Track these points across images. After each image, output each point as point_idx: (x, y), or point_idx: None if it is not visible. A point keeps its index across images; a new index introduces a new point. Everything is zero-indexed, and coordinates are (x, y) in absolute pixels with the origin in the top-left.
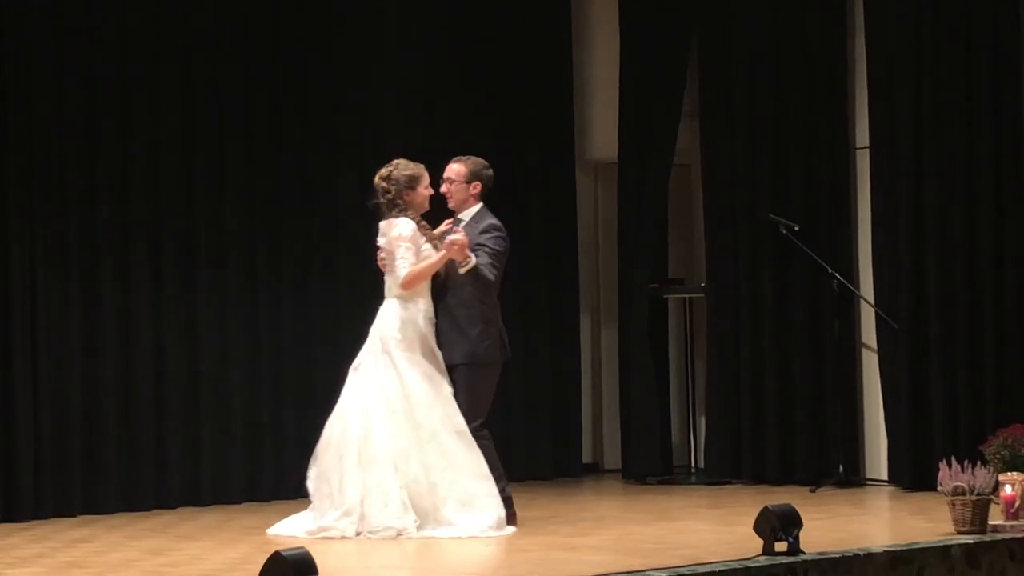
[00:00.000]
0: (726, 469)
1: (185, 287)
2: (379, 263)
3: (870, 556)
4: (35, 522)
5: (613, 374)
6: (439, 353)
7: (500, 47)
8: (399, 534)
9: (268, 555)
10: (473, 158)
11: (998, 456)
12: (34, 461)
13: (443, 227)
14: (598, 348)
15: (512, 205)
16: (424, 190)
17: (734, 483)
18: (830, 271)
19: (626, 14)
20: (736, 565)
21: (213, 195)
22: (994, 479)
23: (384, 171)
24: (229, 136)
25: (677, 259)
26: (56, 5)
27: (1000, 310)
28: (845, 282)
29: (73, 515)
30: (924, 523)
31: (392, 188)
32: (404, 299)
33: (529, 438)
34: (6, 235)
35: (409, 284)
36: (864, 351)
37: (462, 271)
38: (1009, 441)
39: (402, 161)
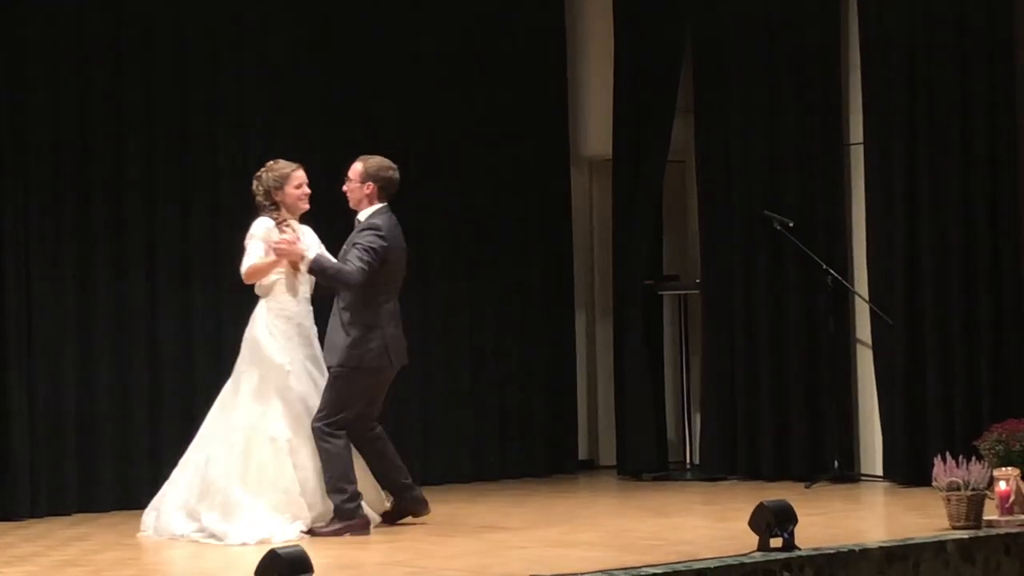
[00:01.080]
0: (721, 465)
1: (181, 286)
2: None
3: (865, 552)
4: (30, 520)
5: (608, 370)
6: (299, 351)
7: (494, 44)
8: (172, 536)
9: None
10: (375, 158)
11: (993, 451)
12: (29, 459)
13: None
14: (593, 345)
15: (507, 202)
16: (293, 189)
17: (729, 479)
18: (824, 267)
19: (620, 10)
20: (732, 561)
21: (209, 194)
22: (989, 474)
23: (258, 172)
24: (224, 136)
25: (672, 256)
26: (49, 3)
27: (995, 305)
28: (840, 278)
29: (68, 513)
30: (919, 519)
31: (260, 189)
32: (262, 296)
33: (525, 435)
34: (0, 233)
35: (248, 277)
36: (859, 347)
37: (304, 268)
38: (1003, 436)
39: (279, 162)
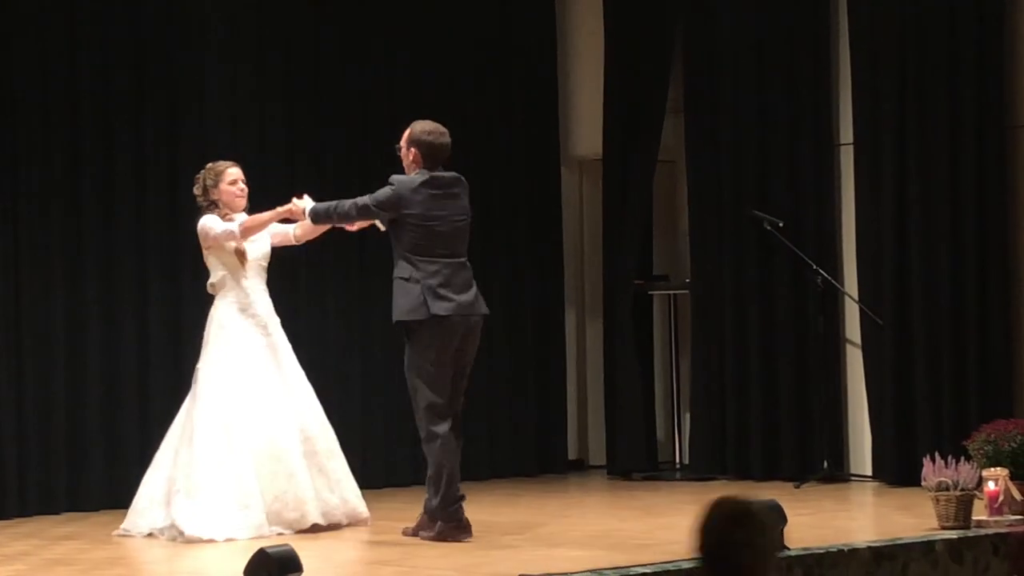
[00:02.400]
0: (711, 465)
1: (170, 285)
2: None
3: (854, 552)
4: (20, 519)
5: (598, 370)
6: (255, 341)
7: (485, 43)
8: (150, 531)
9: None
10: (421, 123)
11: (981, 452)
12: (18, 458)
13: None
14: (583, 344)
15: (497, 201)
16: (227, 186)
17: (719, 479)
18: (814, 267)
19: (611, 10)
20: None
21: None
22: (977, 474)
23: (197, 175)
24: (215, 133)
25: (662, 255)
26: (39, 9)
27: (984, 306)
28: (829, 278)
29: (58, 513)
30: (908, 519)
31: (199, 189)
32: (216, 295)
33: (514, 434)
34: None
35: (245, 232)
36: (848, 347)
37: (307, 219)
38: (992, 437)
39: (217, 162)
